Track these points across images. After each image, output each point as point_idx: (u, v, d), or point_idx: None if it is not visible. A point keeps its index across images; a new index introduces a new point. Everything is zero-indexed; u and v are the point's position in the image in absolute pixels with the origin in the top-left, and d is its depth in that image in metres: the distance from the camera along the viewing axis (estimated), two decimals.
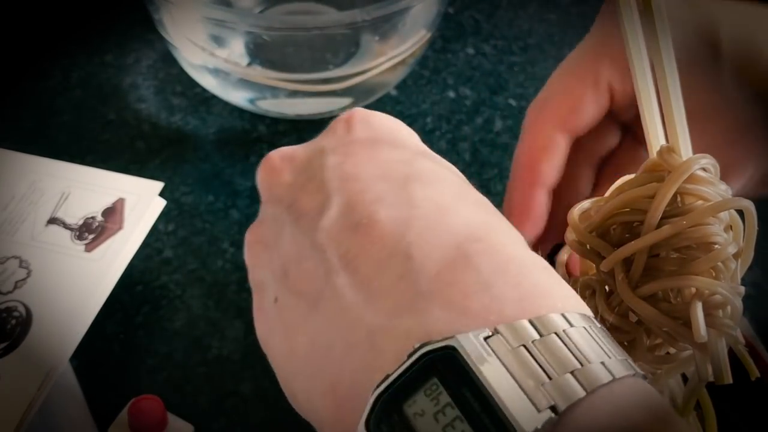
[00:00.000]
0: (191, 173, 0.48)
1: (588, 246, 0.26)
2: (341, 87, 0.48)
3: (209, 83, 0.50)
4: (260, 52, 0.48)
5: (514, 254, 0.20)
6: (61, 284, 0.37)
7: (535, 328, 0.18)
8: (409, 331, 0.18)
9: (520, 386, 0.16)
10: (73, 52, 0.55)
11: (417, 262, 0.20)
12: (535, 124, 0.34)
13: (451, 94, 0.54)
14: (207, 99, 0.52)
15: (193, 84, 0.53)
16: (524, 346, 0.17)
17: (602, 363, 0.17)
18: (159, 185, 0.41)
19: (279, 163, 0.26)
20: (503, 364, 0.17)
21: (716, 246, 0.24)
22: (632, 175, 0.26)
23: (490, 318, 0.18)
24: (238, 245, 0.44)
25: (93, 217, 0.40)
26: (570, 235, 0.27)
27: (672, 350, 0.26)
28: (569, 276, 0.29)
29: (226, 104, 0.52)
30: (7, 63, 0.54)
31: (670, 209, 0.24)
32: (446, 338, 0.17)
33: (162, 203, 0.41)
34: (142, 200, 0.41)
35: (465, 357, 0.17)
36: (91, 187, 0.41)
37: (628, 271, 0.25)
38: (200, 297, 0.41)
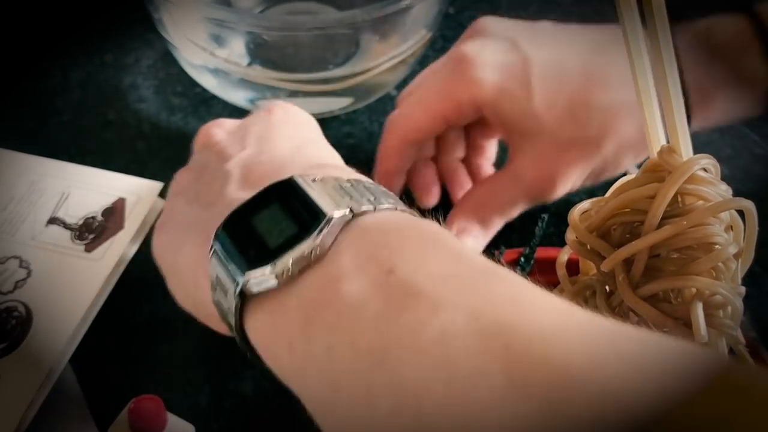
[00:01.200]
0: None
1: (588, 246, 0.26)
2: (341, 87, 0.48)
3: (209, 83, 0.50)
4: (260, 52, 0.48)
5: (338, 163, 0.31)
6: (61, 284, 0.37)
7: (348, 181, 0.26)
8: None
9: (332, 200, 0.24)
10: (73, 52, 0.55)
11: (287, 170, 0.27)
12: (388, 140, 0.42)
13: None
14: (207, 99, 0.52)
15: (193, 84, 0.53)
16: (340, 185, 0.26)
17: (385, 201, 0.25)
18: (159, 185, 0.41)
19: (214, 129, 0.34)
20: (323, 189, 0.25)
21: (717, 246, 0.24)
22: (633, 175, 0.26)
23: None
24: None
25: (93, 217, 0.40)
26: (570, 235, 0.27)
27: None
28: (569, 276, 0.29)
29: (226, 104, 0.52)
30: (7, 63, 0.54)
31: (670, 209, 0.24)
32: (288, 177, 0.26)
33: (162, 203, 0.41)
34: (143, 200, 0.41)
35: (297, 182, 0.25)
36: (91, 187, 0.41)
37: (628, 272, 0.25)
38: None
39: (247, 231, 0.25)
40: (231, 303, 0.25)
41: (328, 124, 0.49)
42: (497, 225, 0.41)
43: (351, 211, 0.24)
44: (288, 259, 0.23)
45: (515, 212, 0.41)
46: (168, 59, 0.54)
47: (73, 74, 0.54)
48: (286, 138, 0.32)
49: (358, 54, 0.50)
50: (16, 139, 0.48)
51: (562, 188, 0.39)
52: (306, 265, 0.23)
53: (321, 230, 0.23)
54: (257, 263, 0.24)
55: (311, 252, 0.23)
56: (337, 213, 0.24)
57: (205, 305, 0.28)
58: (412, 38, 0.49)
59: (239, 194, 0.28)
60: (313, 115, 0.50)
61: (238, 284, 0.24)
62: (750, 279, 0.27)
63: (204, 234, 0.27)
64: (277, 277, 0.23)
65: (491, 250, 0.41)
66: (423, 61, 0.56)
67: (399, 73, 0.52)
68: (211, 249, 0.26)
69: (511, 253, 0.38)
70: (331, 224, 0.23)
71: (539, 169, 0.39)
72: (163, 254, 0.31)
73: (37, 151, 0.43)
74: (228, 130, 0.34)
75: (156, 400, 0.34)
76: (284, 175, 0.26)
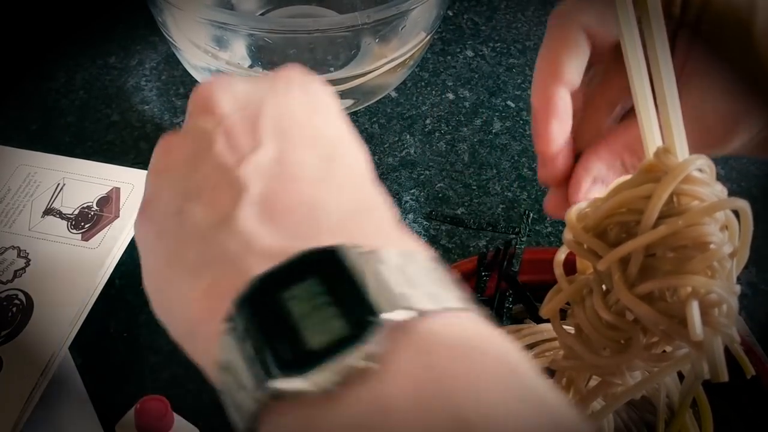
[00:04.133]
0: None
1: (585, 245, 0.26)
2: (342, 89, 0.49)
3: None
4: (262, 55, 0.48)
5: (389, 217, 0.24)
6: (59, 272, 0.38)
7: (402, 257, 0.21)
8: (302, 249, 0.21)
9: (388, 291, 0.19)
10: (77, 55, 0.55)
11: (321, 212, 0.23)
12: (559, 25, 0.34)
13: (450, 95, 0.55)
14: None
15: (195, 85, 0.53)
16: (397, 266, 0.20)
17: (445, 295, 0.20)
18: None
19: (219, 90, 0.27)
20: (376, 270, 0.20)
21: (712, 246, 0.24)
22: (629, 176, 0.27)
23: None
24: None
25: (88, 207, 0.41)
26: (567, 235, 0.27)
27: (668, 348, 0.27)
28: (566, 275, 0.29)
29: None
30: (11, 65, 0.54)
31: (666, 209, 0.25)
32: (331, 246, 0.20)
33: None
34: (137, 189, 0.41)
35: (345, 258, 0.20)
36: (85, 178, 0.42)
37: (624, 271, 0.25)
38: None
39: (276, 311, 0.19)
40: (247, 404, 0.19)
41: None
42: None
43: (412, 310, 0.19)
44: (332, 368, 0.18)
45: None
46: (171, 61, 0.55)
47: (77, 76, 0.54)
48: (310, 139, 0.26)
49: (358, 56, 0.50)
50: (21, 139, 0.49)
51: (744, 135, 0.33)
52: (352, 375, 0.18)
53: (375, 333, 0.18)
54: (292, 368, 0.18)
55: (361, 362, 0.18)
56: (397, 314, 0.19)
57: (200, 360, 0.23)
58: (412, 41, 0.49)
59: (259, 230, 0.22)
60: None
61: (263, 389, 0.18)
62: (745, 278, 0.27)
63: (209, 273, 0.22)
64: (315, 386, 0.18)
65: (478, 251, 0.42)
66: (422, 63, 0.56)
67: (399, 75, 0.52)
68: (226, 322, 0.20)
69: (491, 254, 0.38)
70: (387, 327, 0.18)
71: (725, 116, 0.32)
72: (147, 262, 0.25)
73: (42, 151, 0.44)
74: (236, 100, 0.27)
75: (162, 401, 0.34)
76: (321, 228, 0.21)
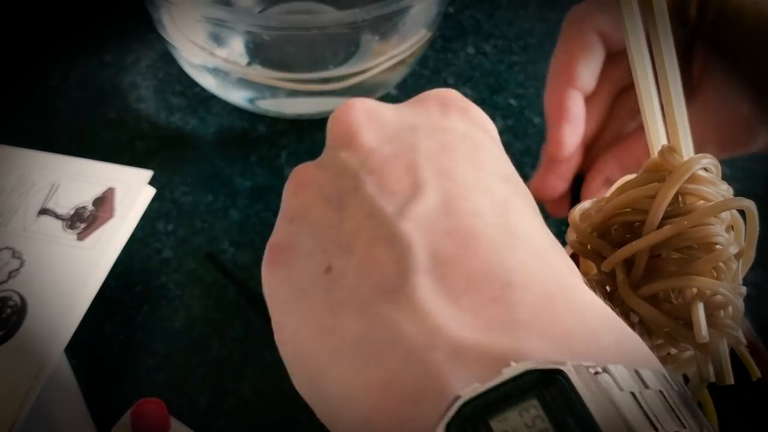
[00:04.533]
0: (190, 173, 0.48)
1: (589, 246, 0.26)
2: (341, 87, 0.48)
3: (209, 83, 0.50)
4: (260, 52, 0.48)
5: (619, 319, 0.19)
6: (54, 273, 0.37)
7: (639, 380, 0.17)
8: (504, 351, 0.17)
9: (629, 429, 0.15)
10: (73, 52, 0.55)
11: (516, 290, 0.18)
12: (574, 29, 0.34)
13: None
14: (206, 99, 0.52)
15: (192, 84, 0.53)
16: (632, 393, 0.16)
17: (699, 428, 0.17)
18: (148, 173, 0.42)
19: (365, 116, 0.23)
20: (613, 402, 0.15)
21: (717, 246, 0.24)
22: (633, 175, 0.26)
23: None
24: (238, 245, 0.44)
25: (84, 207, 0.40)
26: (571, 235, 0.27)
27: (673, 351, 0.26)
28: None
29: (225, 104, 0.52)
30: (6, 63, 0.54)
31: (671, 209, 0.24)
32: (555, 362, 0.16)
33: (152, 191, 0.41)
34: (132, 188, 0.41)
35: (575, 384, 0.15)
36: (80, 178, 0.42)
37: (629, 272, 0.25)
38: (200, 297, 0.41)
39: None
40: None
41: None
42: None
43: None
44: None
45: None
46: (167, 59, 0.54)
47: (72, 74, 0.54)
48: (479, 179, 0.21)
49: (357, 53, 0.50)
50: (16, 138, 0.48)
51: (765, 135, 0.33)
52: None
53: None
54: None
55: None
56: None
57: None
58: (412, 38, 0.49)
59: (440, 311, 0.18)
60: (313, 114, 0.51)
61: None
62: (751, 279, 0.26)
63: (383, 362, 0.18)
64: None
65: None
66: (423, 60, 0.56)
67: (399, 73, 0.51)
68: None
69: None
70: None
71: (745, 112, 0.32)
72: (283, 321, 0.21)
73: (36, 149, 0.43)
74: (383, 131, 0.23)
75: (159, 404, 0.34)
76: (517, 314, 0.17)
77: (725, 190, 0.25)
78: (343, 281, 0.19)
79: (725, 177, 0.25)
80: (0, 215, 0.40)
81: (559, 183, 0.37)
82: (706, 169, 0.25)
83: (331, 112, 0.52)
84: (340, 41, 0.49)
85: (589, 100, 0.36)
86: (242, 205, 0.46)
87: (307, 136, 0.50)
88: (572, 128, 0.34)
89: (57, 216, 0.40)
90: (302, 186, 0.22)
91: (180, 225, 0.45)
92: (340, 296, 0.19)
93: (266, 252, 0.22)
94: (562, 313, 0.17)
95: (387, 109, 0.24)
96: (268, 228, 0.44)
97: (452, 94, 0.25)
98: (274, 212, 0.40)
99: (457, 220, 0.19)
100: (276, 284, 0.21)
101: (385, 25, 0.47)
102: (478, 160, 0.22)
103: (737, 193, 0.25)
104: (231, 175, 0.48)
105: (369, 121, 0.23)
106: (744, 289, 0.24)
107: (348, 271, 0.19)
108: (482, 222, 0.19)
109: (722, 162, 0.26)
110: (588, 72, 0.34)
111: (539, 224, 0.21)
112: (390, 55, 0.48)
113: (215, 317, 0.41)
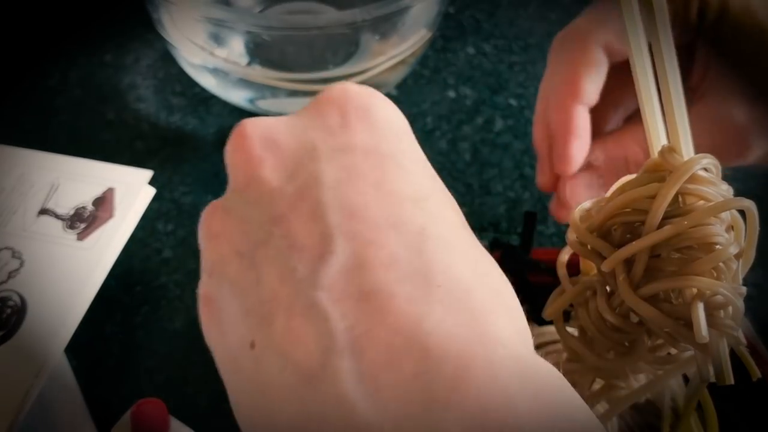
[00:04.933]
0: (190, 173, 0.48)
1: (589, 246, 0.26)
2: None
3: (209, 83, 0.50)
4: (260, 52, 0.48)
5: (538, 364, 0.18)
6: (54, 273, 0.37)
7: None
8: None
9: None
10: (73, 52, 0.55)
11: (432, 360, 0.17)
12: (579, 43, 0.34)
13: (452, 93, 0.54)
14: (206, 99, 0.52)
15: (192, 84, 0.53)
16: None
17: None
18: (148, 173, 0.42)
19: (260, 147, 0.21)
20: None
21: (717, 246, 0.24)
22: (633, 175, 0.26)
23: None
24: None
25: (84, 207, 0.40)
26: (571, 235, 0.27)
27: (673, 351, 0.26)
28: (570, 276, 0.29)
29: (225, 104, 0.52)
30: (6, 63, 0.54)
31: (671, 209, 0.24)
32: None
33: (152, 191, 0.41)
34: (132, 189, 0.41)
35: None
36: (80, 178, 0.42)
37: (629, 272, 0.25)
38: None
39: None
40: None
41: None
42: None
43: None
44: None
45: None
46: (167, 59, 0.54)
47: (72, 74, 0.54)
48: (390, 214, 0.19)
49: (357, 53, 0.50)
50: (16, 138, 0.48)
51: (764, 144, 0.33)
52: None
53: None
54: None
55: None
56: None
57: None
58: (412, 38, 0.49)
59: (357, 398, 0.17)
60: None
61: None
62: (750, 279, 0.26)
63: None
64: None
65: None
66: (423, 60, 0.56)
67: (399, 73, 0.51)
68: None
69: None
70: None
71: (744, 118, 0.32)
72: (230, 388, 0.21)
73: (36, 149, 0.43)
74: (283, 163, 0.21)
75: (159, 404, 0.34)
76: (436, 391, 0.16)
77: (725, 190, 0.25)
78: (268, 360, 0.19)
79: (725, 177, 0.25)
80: (0, 215, 0.40)
81: (582, 191, 0.37)
82: (706, 169, 0.25)
83: None
84: (340, 41, 0.49)
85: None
86: None
87: None
88: (580, 143, 0.34)
89: (57, 216, 0.40)
90: (214, 236, 0.21)
91: (180, 225, 0.45)
92: (267, 378, 0.19)
93: (198, 301, 0.22)
94: (478, 383, 0.17)
95: (282, 130, 0.22)
96: None
97: (349, 93, 0.22)
98: None
99: (371, 277, 0.18)
100: (213, 343, 0.22)
101: (385, 25, 0.47)
102: (386, 182, 0.20)
103: (737, 194, 0.25)
104: None
105: (266, 150, 0.21)
106: (744, 289, 0.24)
107: (270, 349, 0.19)
108: (397, 273, 0.18)
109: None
110: (594, 87, 0.34)
111: (457, 241, 0.20)
112: (390, 55, 0.48)
113: None
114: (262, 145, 0.21)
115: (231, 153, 0.22)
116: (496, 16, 0.61)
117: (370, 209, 0.19)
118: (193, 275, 0.42)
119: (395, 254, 0.19)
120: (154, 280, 0.42)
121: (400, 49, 0.49)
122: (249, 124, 0.22)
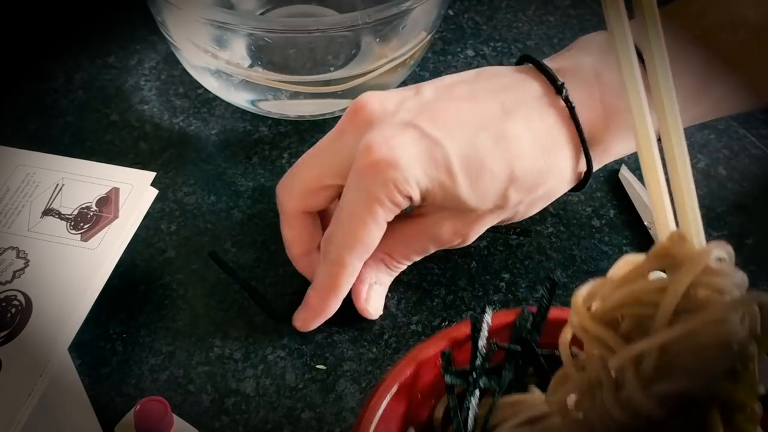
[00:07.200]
0: (193, 174, 0.48)
1: (594, 334, 0.24)
2: (342, 89, 0.49)
3: (211, 85, 0.51)
4: (262, 54, 0.48)
5: None
6: (59, 273, 0.38)
7: None
8: None
9: None
10: (76, 54, 0.55)
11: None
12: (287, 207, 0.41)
13: None
14: (209, 100, 0.53)
15: (195, 85, 0.53)
16: None
17: None
18: (151, 175, 0.42)
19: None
20: None
21: (734, 345, 0.22)
22: (637, 255, 0.24)
23: None
24: (240, 245, 0.44)
25: (88, 207, 0.41)
26: (573, 320, 0.25)
27: None
28: (574, 357, 0.26)
29: (228, 105, 0.52)
30: (10, 65, 0.54)
31: (683, 303, 0.22)
32: None
33: (154, 192, 0.42)
34: (136, 189, 0.41)
35: None
36: (84, 179, 0.42)
37: (638, 366, 0.23)
38: (203, 296, 0.42)
39: None
40: None
41: (328, 125, 0.50)
42: (399, 271, 0.42)
43: None
44: None
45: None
46: (170, 61, 0.55)
47: (76, 76, 0.54)
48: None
49: (358, 56, 0.50)
50: (20, 140, 0.49)
51: (472, 240, 0.40)
52: None
53: None
54: None
55: None
56: None
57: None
58: (412, 40, 0.49)
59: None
60: (314, 116, 0.51)
61: None
62: (749, 279, 0.26)
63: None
64: None
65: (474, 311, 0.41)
66: (423, 63, 0.56)
67: (399, 75, 0.52)
68: None
69: (504, 315, 0.32)
70: None
71: (456, 232, 0.39)
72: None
73: (40, 151, 0.44)
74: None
75: (162, 402, 0.34)
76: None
77: (740, 279, 0.23)
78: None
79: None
80: (4, 216, 0.40)
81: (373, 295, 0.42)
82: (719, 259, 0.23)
83: (332, 113, 0.53)
84: (341, 44, 0.50)
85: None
86: (244, 205, 0.47)
87: (308, 138, 0.51)
88: (341, 297, 0.40)
89: (61, 216, 0.40)
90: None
91: (183, 225, 0.45)
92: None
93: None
94: None
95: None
96: (270, 228, 0.45)
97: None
98: (276, 212, 0.41)
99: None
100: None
101: (386, 28, 0.47)
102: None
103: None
104: (233, 175, 0.48)
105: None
106: (762, 389, 0.23)
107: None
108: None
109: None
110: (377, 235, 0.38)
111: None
112: (390, 57, 0.49)
113: (218, 316, 0.41)
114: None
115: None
116: (495, 19, 0.61)
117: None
118: (195, 275, 0.43)
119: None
120: (157, 279, 0.42)
121: (401, 51, 0.49)
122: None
